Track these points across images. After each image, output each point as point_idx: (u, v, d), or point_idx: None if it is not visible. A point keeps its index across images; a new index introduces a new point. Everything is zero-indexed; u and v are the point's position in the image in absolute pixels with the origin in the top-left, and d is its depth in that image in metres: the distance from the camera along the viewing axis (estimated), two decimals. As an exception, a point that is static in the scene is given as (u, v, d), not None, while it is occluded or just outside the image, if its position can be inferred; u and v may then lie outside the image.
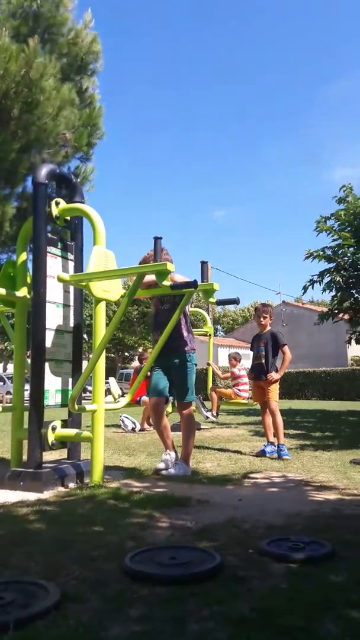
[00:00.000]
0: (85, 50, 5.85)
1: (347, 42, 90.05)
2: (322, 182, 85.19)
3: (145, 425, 7.80)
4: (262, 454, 4.93)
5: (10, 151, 4.88)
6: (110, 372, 29.58)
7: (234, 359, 8.48)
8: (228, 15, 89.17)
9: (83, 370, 3.69)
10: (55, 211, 3.78)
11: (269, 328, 5.28)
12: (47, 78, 4.89)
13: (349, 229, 9.89)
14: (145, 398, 7.74)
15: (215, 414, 8.31)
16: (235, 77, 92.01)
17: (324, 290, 10.05)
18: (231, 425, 8.28)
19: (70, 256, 3.98)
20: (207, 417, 8.21)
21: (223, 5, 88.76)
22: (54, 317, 3.74)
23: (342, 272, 9.88)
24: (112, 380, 7.92)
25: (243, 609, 1.54)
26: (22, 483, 3.34)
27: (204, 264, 4.16)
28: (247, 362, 7.81)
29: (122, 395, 6.53)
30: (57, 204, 3.81)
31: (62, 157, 5.72)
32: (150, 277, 3.69)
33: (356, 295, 10.10)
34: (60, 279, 3.57)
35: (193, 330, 4.47)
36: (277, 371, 5.11)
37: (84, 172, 6.42)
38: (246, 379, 8.11)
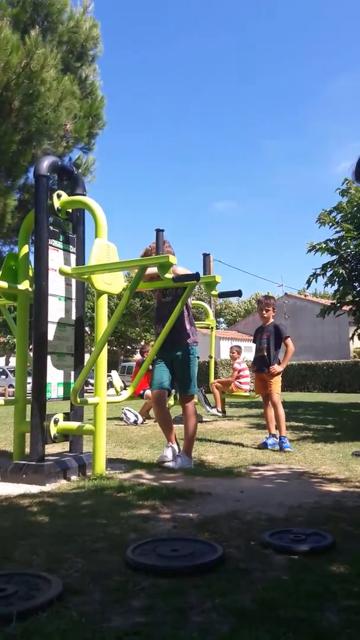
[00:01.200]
0: (84, 37, 5.79)
1: (350, 38, 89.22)
2: (325, 176, 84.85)
3: (145, 420, 7.83)
4: (264, 446, 4.94)
5: (11, 143, 4.86)
6: (112, 365, 29.62)
7: (236, 351, 8.47)
8: (229, 11, 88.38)
9: (85, 363, 3.69)
10: (57, 204, 3.77)
11: (271, 320, 5.28)
12: (48, 69, 4.86)
13: (351, 220, 9.86)
14: (148, 392, 7.75)
15: (220, 410, 8.26)
16: (237, 73, 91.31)
17: (326, 284, 10.06)
18: (233, 417, 8.30)
19: (72, 249, 3.97)
20: (209, 410, 8.21)
21: (224, 1, 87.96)
22: (56, 310, 3.74)
23: (345, 264, 9.85)
24: (114, 373, 7.93)
25: (245, 600, 1.54)
26: (24, 476, 3.36)
27: (206, 256, 4.15)
28: (249, 355, 7.79)
29: (124, 388, 6.54)
30: (58, 196, 3.79)
31: (63, 148, 5.69)
32: (152, 270, 3.68)
33: (359, 288, 10.08)
34: (62, 272, 3.56)
35: (195, 322, 4.47)
36: (279, 364, 5.11)
37: (85, 162, 6.40)
38: (247, 372, 8.11)
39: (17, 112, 4.87)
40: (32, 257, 3.88)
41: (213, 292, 4.09)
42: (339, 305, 10.38)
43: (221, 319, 56.18)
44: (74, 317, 3.94)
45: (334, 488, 3.15)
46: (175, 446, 4.13)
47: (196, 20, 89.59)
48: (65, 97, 5.13)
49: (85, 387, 4.10)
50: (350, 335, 11.00)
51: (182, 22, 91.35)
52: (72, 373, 3.89)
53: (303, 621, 1.42)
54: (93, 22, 5.90)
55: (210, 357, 8.74)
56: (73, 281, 3.92)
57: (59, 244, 3.83)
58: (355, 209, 9.91)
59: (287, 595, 1.57)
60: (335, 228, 10.09)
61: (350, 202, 10.04)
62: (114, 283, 3.47)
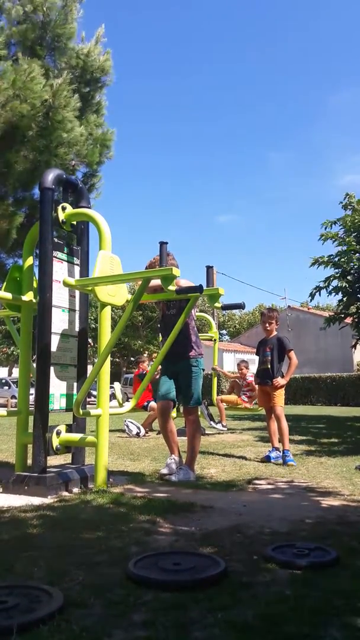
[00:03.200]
0: (96, 66, 5.95)
1: (354, 50, 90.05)
2: (329, 189, 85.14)
3: (148, 432, 7.79)
4: (267, 459, 4.91)
5: (22, 172, 4.98)
6: (115, 376, 29.53)
7: (244, 367, 8.42)
8: (232, 24, 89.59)
9: (88, 375, 3.70)
10: (61, 216, 3.80)
11: (275, 333, 5.28)
12: (68, 111, 5.03)
13: (355, 234, 9.91)
14: (153, 404, 7.73)
15: (224, 425, 8.20)
16: (241, 85, 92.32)
17: (329, 294, 10.08)
18: (236, 430, 8.26)
19: (76, 261, 4.00)
20: (211, 424, 8.17)
21: (227, 15, 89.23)
22: (59, 322, 3.75)
23: (347, 277, 9.88)
24: (116, 385, 7.93)
25: (247, 615, 1.53)
26: (26, 487, 3.35)
27: (209, 268, 4.16)
28: (252, 367, 7.75)
29: (127, 400, 6.50)
30: (63, 208, 3.83)
31: (69, 172, 5.79)
32: (156, 282, 3.70)
33: (362, 300, 10.10)
34: (66, 284, 3.59)
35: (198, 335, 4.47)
36: (283, 377, 5.10)
37: (91, 180, 6.47)
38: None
39: (29, 144, 5.00)
40: (36, 269, 3.91)
41: (216, 305, 4.09)
42: (342, 316, 10.40)
43: (224, 331, 56.11)
44: (77, 328, 3.95)
45: (338, 502, 3.13)
46: (177, 459, 4.11)
47: (198, 36, 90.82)
48: (79, 139, 5.30)
49: (88, 399, 4.10)
50: (352, 344, 10.98)
51: (185, 34, 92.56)
52: (75, 384, 3.89)
53: (306, 637, 1.40)
54: (106, 54, 6.08)
55: (214, 369, 8.72)
56: (77, 293, 3.93)
57: (63, 256, 3.86)
58: (358, 223, 9.96)
59: (290, 611, 1.56)
60: (337, 242, 10.13)
61: (353, 216, 10.10)
62: (117, 295, 3.48)
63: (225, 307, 4.40)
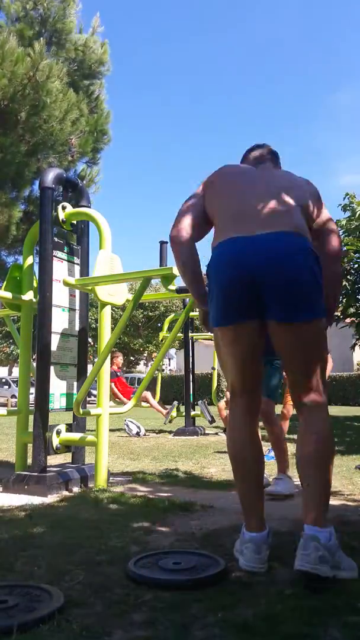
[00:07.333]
0: (95, 59, 5.92)
1: (355, 51, 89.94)
2: (329, 189, 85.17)
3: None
4: (267, 458, 4.93)
5: (17, 154, 4.92)
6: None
7: None
8: (235, 21, 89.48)
9: (88, 374, 3.70)
10: (61, 215, 3.80)
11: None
12: (54, 80, 4.94)
13: (357, 233, 9.91)
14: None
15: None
16: (242, 84, 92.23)
17: None
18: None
19: (76, 260, 3.99)
20: (211, 422, 8.17)
21: (231, 12, 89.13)
22: (59, 321, 3.75)
23: (348, 277, 9.87)
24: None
25: (247, 615, 1.53)
26: (26, 487, 3.35)
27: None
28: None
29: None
30: (63, 208, 3.83)
31: (68, 162, 5.77)
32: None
33: (362, 300, 10.09)
34: (66, 283, 3.59)
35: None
36: None
37: (89, 174, 6.46)
38: None
39: (23, 124, 4.94)
40: (36, 268, 3.91)
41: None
42: (342, 316, 10.39)
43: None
44: (77, 327, 3.95)
45: (338, 502, 3.13)
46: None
47: (197, 36, 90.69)
48: (71, 109, 5.21)
49: (88, 398, 4.10)
50: (352, 345, 10.96)
51: (189, 32, 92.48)
52: (75, 384, 3.89)
53: (306, 637, 1.40)
54: (103, 44, 6.04)
55: (213, 368, 8.72)
56: (77, 292, 3.93)
57: (64, 255, 3.85)
58: (358, 222, 9.96)
59: (290, 610, 1.56)
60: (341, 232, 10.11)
61: (351, 217, 10.10)
62: (117, 294, 3.48)
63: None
